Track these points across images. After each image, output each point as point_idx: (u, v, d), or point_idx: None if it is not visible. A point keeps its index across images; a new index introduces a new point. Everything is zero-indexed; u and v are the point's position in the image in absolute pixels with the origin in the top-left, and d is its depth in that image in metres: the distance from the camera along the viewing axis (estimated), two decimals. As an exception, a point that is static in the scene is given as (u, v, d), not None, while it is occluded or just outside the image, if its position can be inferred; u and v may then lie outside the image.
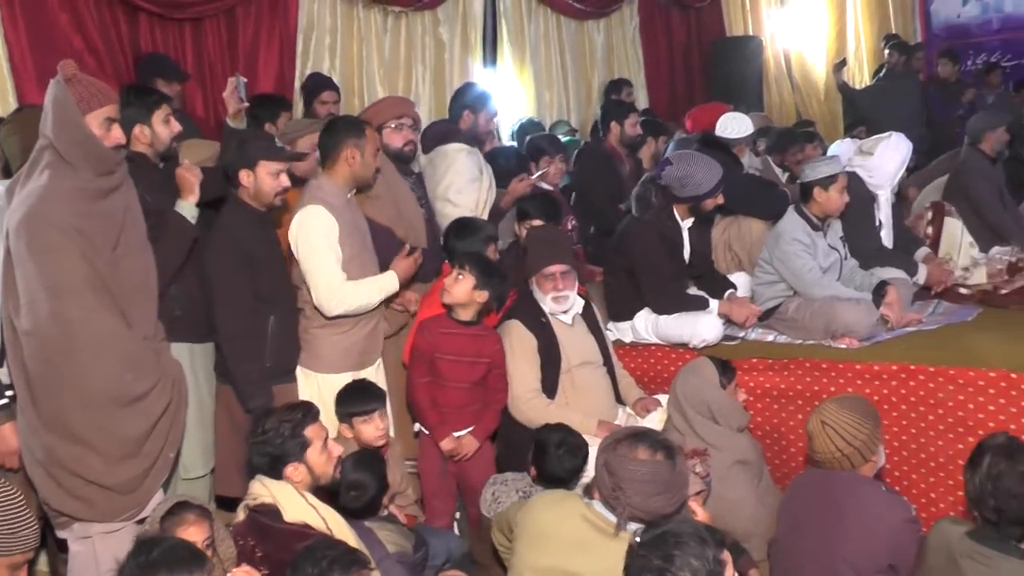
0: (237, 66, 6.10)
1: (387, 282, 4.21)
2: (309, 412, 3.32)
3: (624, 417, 4.58)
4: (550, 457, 3.78)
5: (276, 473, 3.19)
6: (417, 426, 4.36)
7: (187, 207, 3.89)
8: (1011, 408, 4.09)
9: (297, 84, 6.61)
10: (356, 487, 3.58)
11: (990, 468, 2.89)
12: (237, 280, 3.88)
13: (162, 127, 3.94)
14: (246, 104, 4.47)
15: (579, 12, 8.77)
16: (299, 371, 4.18)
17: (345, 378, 4.09)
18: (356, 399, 3.94)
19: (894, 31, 11.40)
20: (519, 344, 4.37)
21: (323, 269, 4.04)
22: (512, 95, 8.18)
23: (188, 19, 5.90)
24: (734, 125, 6.19)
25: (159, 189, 3.88)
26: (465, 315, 4.25)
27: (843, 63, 10.21)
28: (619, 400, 4.67)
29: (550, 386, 4.42)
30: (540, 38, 8.52)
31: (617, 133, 6.53)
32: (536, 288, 4.47)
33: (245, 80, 4.55)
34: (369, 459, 3.74)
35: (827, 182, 4.93)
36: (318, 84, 6.17)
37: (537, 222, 4.92)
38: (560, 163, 5.88)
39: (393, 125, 4.78)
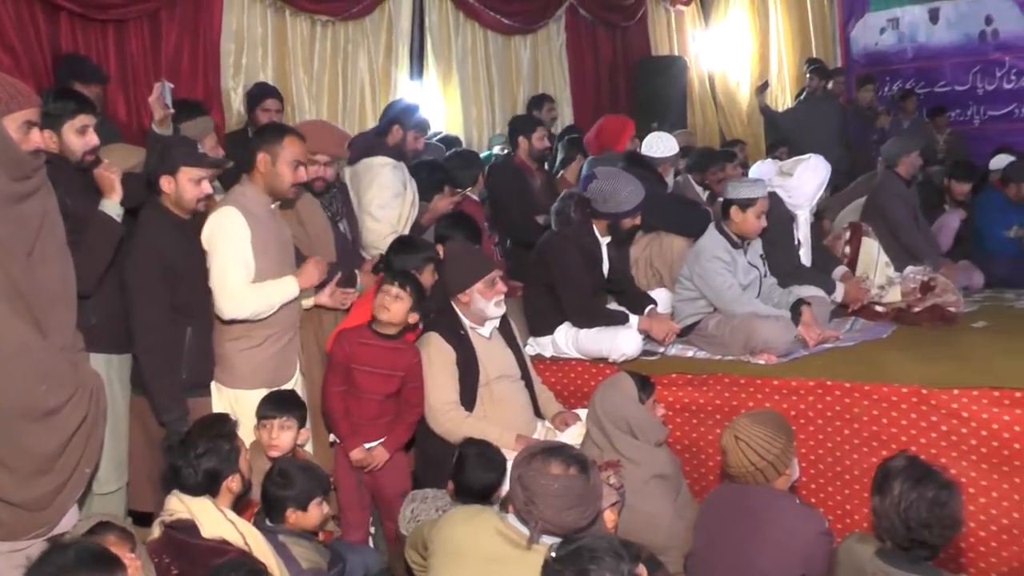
0: (160, 71, 5.98)
1: (286, 287, 4.09)
2: (230, 421, 3.31)
3: (543, 431, 4.58)
4: (468, 472, 3.75)
5: (215, 489, 3.14)
6: (332, 437, 4.33)
7: (111, 206, 3.80)
8: (922, 423, 4.20)
9: (224, 90, 6.52)
10: (284, 476, 3.51)
11: (900, 498, 2.94)
12: (155, 290, 3.80)
13: (74, 137, 3.78)
14: (172, 111, 4.38)
15: (506, 27, 8.79)
16: (214, 388, 4.09)
17: (259, 394, 4.01)
18: (264, 404, 3.91)
19: (815, 56, 11.63)
20: (438, 356, 4.37)
21: (223, 270, 3.95)
22: (437, 108, 8.17)
23: (111, 21, 5.76)
24: (660, 145, 6.26)
25: (80, 192, 3.78)
26: (390, 330, 4.24)
27: (765, 86, 10.40)
28: (538, 414, 4.68)
29: (469, 399, 4.41)
30: (467, 52, 8.52)
31: (526, 147, 6.56)
32: (474, 297, 4.46)
33: (171, 86, 4.46)
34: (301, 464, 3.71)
35: (745, 204, 5.02)
36: (262, 92, 6.09)
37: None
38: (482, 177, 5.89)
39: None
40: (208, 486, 3.16)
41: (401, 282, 4.23)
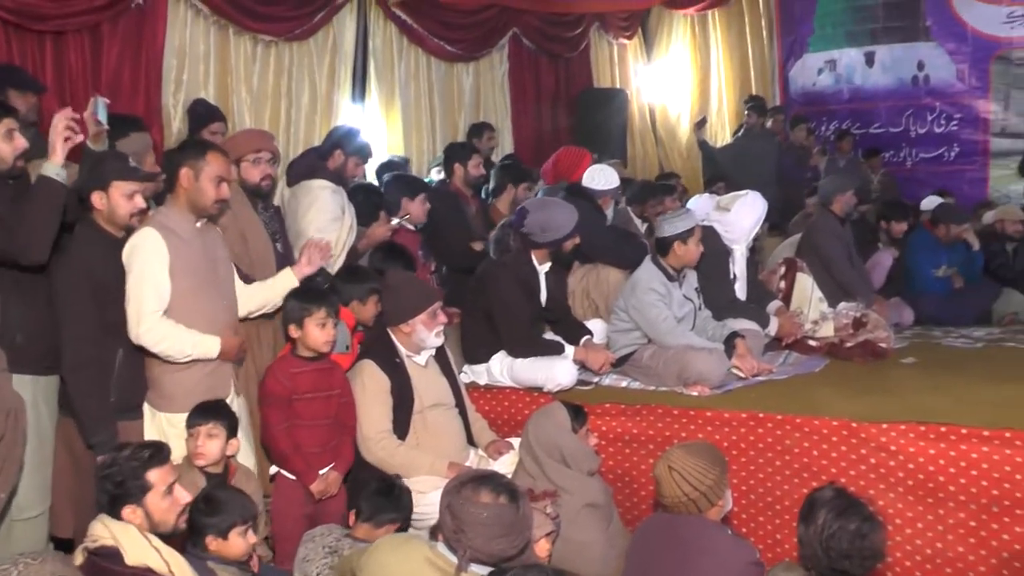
0: (100, 85, 5.87)
1: (205, 345, 3.96)
2: (158, 455, 3.14)
3: (476, 459, 4.57)
4: (372, 512, 3.73)
5: (115, 513, 3.05)
6: (274, 468, 4.23)
7: (52, 167, 3.66)
8: (851, 455, 4.28)
9: (166, 107, 6.43)
10: (208, 502, 3.42)
11: (823, 528, 2.98)
12: (84, 308, 3.72)
13: (1, 143, 3.69)
14: (106, 127, 4.28)
15: (449, 54, 8.80)
16: (146, 410, 4.00)
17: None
18: (191, 413, 3.83)
19: (755, 94, 11.83)
20: (372, 384, 4.33)
21: (135, 294, 3.83)
22: (379, 132, 8.14)
23: (49, 32, 5.65)
24: (601, 177, 6.29)
25: (11, 201, 3.69)
26: (305, 351, 4.19)
27: (703, 122, 10.55)
28: (472, 442, 4.66)
29: (402, 427, 4.38)
30: (409, 77, 8.50)
31: (461, 174, 6.56)
32: (417, 328, 4.43)
33: (107, 101, 4.37)
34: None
35: (686, 236, 5.09)
36: (210, 114, 6.03)
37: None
38: (423, 203, 5.85)
39: (251, 159, 4.67)
40: (109, 508, 3.06)
41: (336, 311, 4.19)
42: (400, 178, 6.32)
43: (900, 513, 4.13)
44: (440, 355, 4.66)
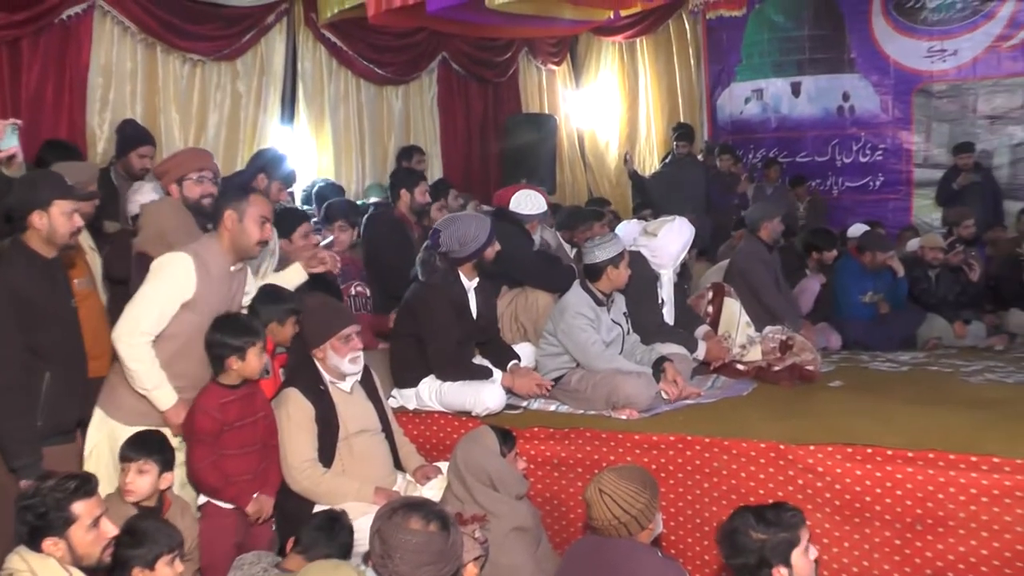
0: (20, 104, 5.75)
1: (162, 396, 4.01)
2: (84, 486, 3.05)
3: (404, 484, 4.50)
4: (308, 534, 3.66)
5: (35, 545, 2.92)
6: (203, 498, 4.12)
7: None
8: (779, 477, 4.31)
9: (91, 127, 6.28)
10: (130, 533, 3.30)
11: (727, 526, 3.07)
12: (8, 331, 3.62)
13: None
14: (12, 151, 4.17)
15: (378, 77, 8.78)
16: (97, 412, 4.03)
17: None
18: (125, 445, 3.75)
19: (683, 121, 11.95)
20: (296, 413, 4.26)
21: (140, 306, 3.97)
22: (308, 154, 8.06)
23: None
24: (528, 202, 6.23)
25: None
26: (237, 380, 4.09)
27: (628, 158, 10.65)
28: (399, 467, 4.60)
29: (327, 454, 4.31)
30: (339, 99, 8.47)
31: (407, 200, 6.49)
32: (328, 354, 4.38)
33: (19, 123, 4.24)
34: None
35: (617, 260, 5.13)
36: (139, 137, 5.91)
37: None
38: (344, 232, 5.79)
39: (195, 177, 4.73)
40: (29, 540, 2.93)
41: (253, 339, 4.11)
42: (338, 203, 6.28)
43: (828, 533, 4.18)
44: (367, 380, 4.61)
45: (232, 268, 4.22)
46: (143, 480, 3.69)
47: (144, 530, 3.31)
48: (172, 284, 4.00)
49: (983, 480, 3.92)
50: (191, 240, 4.34)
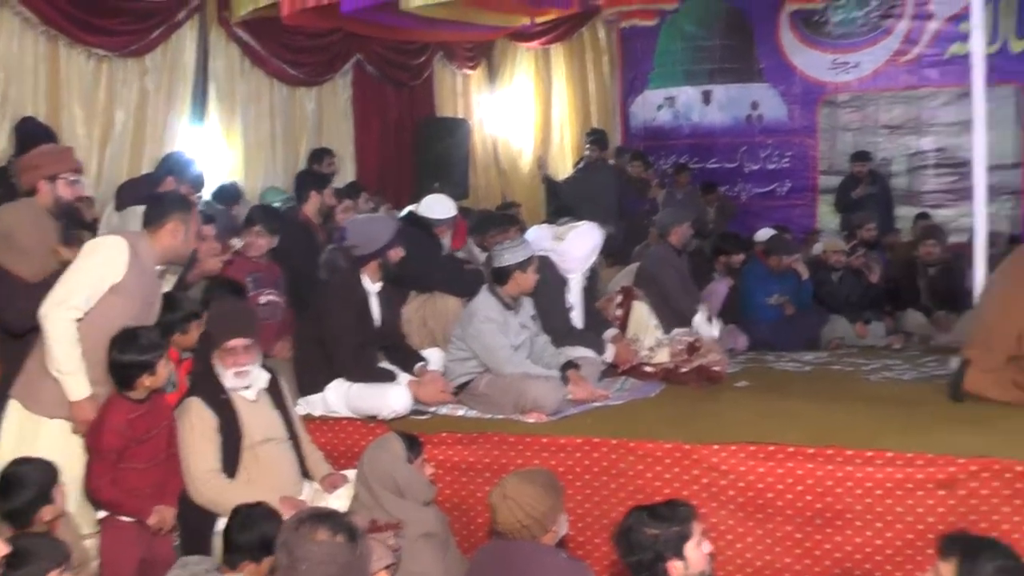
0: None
1: (77, 384, 3.95)
2: None
3: (311, 492, 4.45)
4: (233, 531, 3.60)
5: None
6: (101, 513, 4.00)
7: None
8: (684, 476, 4.38)
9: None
10: (16, 555, 3.19)
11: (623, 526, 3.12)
12: None
13: None
14: None
15: (292, 78, 8.67)
16: (12, 403, 3.99)
17: (57, 425, 3.94)
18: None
19: (596, 127, 12.05)
20: (199, 423, 4.18)
21: (72, 281, 3.97)
22: (218, 154, 7.93)
23: None
24: (438, 207, 6.22)
25: None
26: (145, 393, 4.01)
27: (543, 162, 10.72)
28: (307, 476, 4.54)
29: (231, 464, 4.23)
30: (251, 99, 8.33)
31: (316, 203, 6.45)
32: (215, 364, 4.31)
33: None
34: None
35: (525, 265, 5.14)
36: (40, 135, 5.76)
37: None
38: (262, 237, 5.68)
39: (70, 177, 4.57)
40: None
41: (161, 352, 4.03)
42: (257, 208, 6.21)
43: (731, 529, 4.27)
44: (274, 388, 4.53)
45: (158, 268, 4.24)
46: None
47: (27, 548, 3.19)
48: (104, 263, 3.99)
49: (878, 474, 4.07)
50: (42, 247, 4.30)
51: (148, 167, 6.85)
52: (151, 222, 4.25)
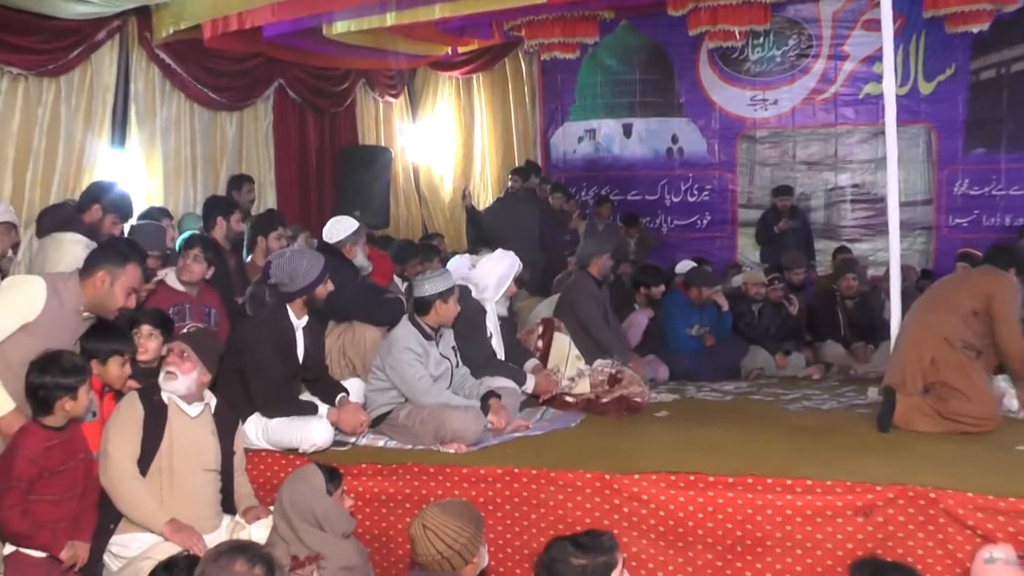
0: None
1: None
2: None
3: (231, 524, 4.34)
4: None
5: None
6: (9, 548, 3.85)
7: None
8: (605, 506, 4.39)
9: None
10: None
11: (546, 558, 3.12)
12: None
13: None
14: None
15: (213, 102, 8.52)
16: None
17: None
18: None
19: (517, 158, 12.15)
20: (127, 410, 4.16)
21: None
22: (138, 179, 7.74)
23: None
24: (337, 227, 6.08)
25: None
26: (63, 420, 3.90)
27: (467, 192, 10.74)
28: (232, 510, 4.42)
29: (144, 466, 4.13)
30: (171, 124, 8.14)
31: (223, 229, 6.37)
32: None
33: None
34: None
35: (447, 295, 5.15)
36: None
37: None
38: (198, 263, 5.52)
39: None
40: None
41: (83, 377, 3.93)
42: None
43: (652, 558, 4.29)
44: (221, 416, 4.45)
45: (84, 314, 4.18)
46: None
47: None
48: (18, 301, 4.01)
49: (798, 501, 4.13)
50: None
51: (66, 193, 6.69)
52: (84, 268, 4.27)
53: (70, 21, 6.87)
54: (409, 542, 3.51)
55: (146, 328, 4.64)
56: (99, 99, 7.38)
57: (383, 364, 5.16)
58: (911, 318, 5.33)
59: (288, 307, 5.07)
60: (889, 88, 5.34)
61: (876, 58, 10.33)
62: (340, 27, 7.98)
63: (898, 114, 5.46)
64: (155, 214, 7.05)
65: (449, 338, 5.35)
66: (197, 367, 4.31)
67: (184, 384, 4.27)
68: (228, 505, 4.41)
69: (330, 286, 5.12)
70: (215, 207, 6.59)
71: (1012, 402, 5.27)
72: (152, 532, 4.00)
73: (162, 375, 4.27)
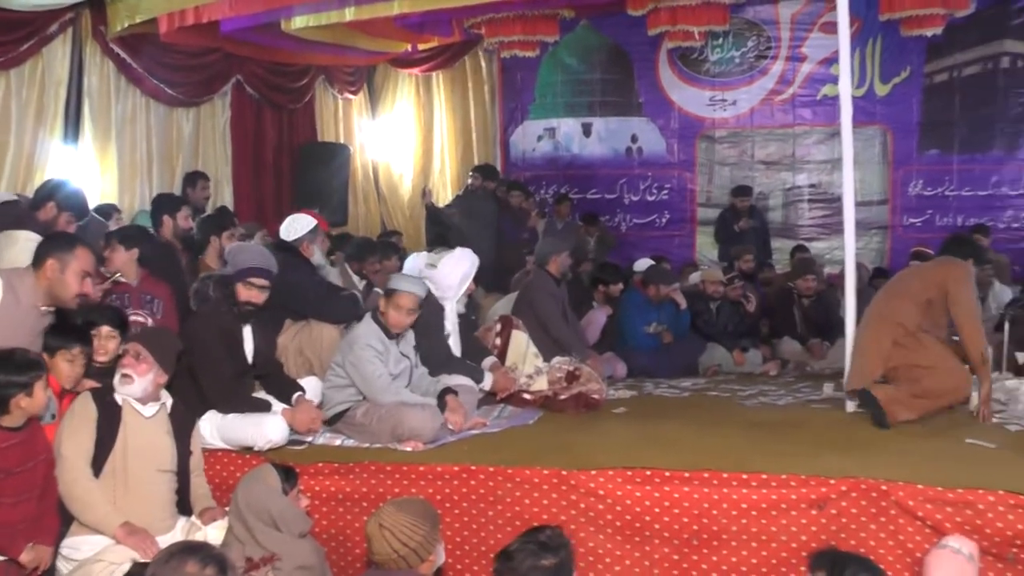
0: None
1: None
2: None
3: (186, 526, 4.30)
4: None
5: None
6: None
7: None
8: (562, 502, 4.41)
9: None
10: None
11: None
12: None
13: None
14: None
15: (169, 98, 8.44)
16: None
17: None
18: None
19: (477, 156, 12.14)
20: (81, 410, 4.14)
21: None
22: (92, 175, 7.64)
23: None
24: (294, 225, 6.01)
25: None
26: (21, 420, 3.83)
27: (427, 190, 10.72)
28: (188, 511, 4.37)
29: (97, 467, 4.10)
30: (126, 119, 8.06)
31: (171, 226, 6.33)
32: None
33: None
34: None
35: (389, 293, 5.12)
36: None
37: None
38: (115, 252, 5.45)
39: None
40: None
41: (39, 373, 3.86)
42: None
43: (610, 552, 4.32)
44: (179, 417, 4.41)
45: (43, 309, 4.16)
46: None
47: None
48: None
49: (753, 495, 4.18)
50: None
51: (17, 189, 6.60)
52: (35, 260, 4.24)
53: (21, 13, 6.78)
54: (366, 540, 3.50)
55: (105, 329, 4.60)
56: (51, 93, 7.29)
57: (343, 361, 5.12)
58: (868, 315, 5.38)
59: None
60: (845, 90, 5.38)
61: (833, 60, 10.39)
62: (299, 22, 7.93)
63: (854, 115, 5.49)
64: (106, 210, 6.99)
65: (410, 338, 5.32)
66: (153, 368, 4.26)
67: (140, 387, 4.23)
68: (184, 506, 4.36)
69: (253, 294, 5.01)
70: (160, 205, 6.56)
71: (974, 400, 5.30)
72: (105, 535, 3.95)
73: (117, 377, 4.22)
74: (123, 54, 7.85)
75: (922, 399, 5.05)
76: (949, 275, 5.17)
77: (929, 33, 9.55)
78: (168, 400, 4.40)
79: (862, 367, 5.21)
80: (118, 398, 4.20)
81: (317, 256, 5.97)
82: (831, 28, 9.79)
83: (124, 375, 4.21)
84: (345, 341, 5.24)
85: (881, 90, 10.93)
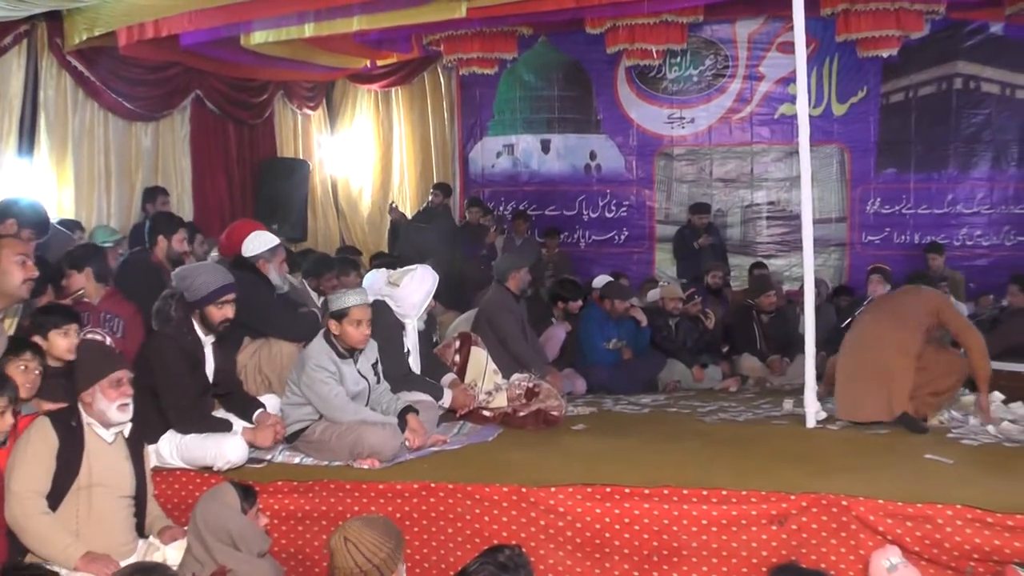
0: None
1: None
2: None
3: (145, 547, 4.24)
4: None
5: None
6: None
7: None
8: (522, 519, 4.40)
9: None
10: None
11: None
12: None
13: None
14: None
15: (128, 112, 8.37)
16: None
17: None
18: None
19: (436, 172, 12.15)
20: (39, 441, 3.99)
21: None
22: (48, 190, 7.54)
23: None
24: (255, 242, 5.97)
25: None
26: None
27: (394, 206, 10.71)
28: (145, 533, 4.32)
29: (58, 496, 4.00)
30: (84, 133, 7.98)
31: (164, 247, 6.24)
32: (97, 397, 4.12)
33: None
34: None
35: (340, 315, 5.03)
36: None
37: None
38: (71, 278, 5.42)
39: None
40: None
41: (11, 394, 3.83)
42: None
43: (569, 570, 4.31)
44: (134, 442, 4.34)
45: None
46: None
47: None
48: None
49: (713, 511, 4.20)
50: None
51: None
52: None
53: (-27, 25, 6.69)
54: (328, 555, 3.44)
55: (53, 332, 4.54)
56: (5, 106, 7.21)
57: (298, 379, 5.09)
58: (867, 341, 5.67)
59: (194, 322, 4.97)
60: (803, 109, 5.44)
61: (791, 80, 10.58)
62: (258, 37, 7.91)
63: (812, 134, 5.56)
64: (68, 226, 6.90)
65: (372, 354, 5.27)
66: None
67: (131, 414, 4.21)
68: (140, 529, 4.30)
69: (227, 311, 4.99)
70: (157, 225, 6.41)
71: (973, 419, 5.56)
72: (65, 568, 3.85)
73: (114, 409, 4.13)
74: (80, 67, 7.77)
75: (941, 395, 5.54)
76: (932, 302, 5.68)
77: (885, 54, 9.66)
78: (128, 425, 4.29)
79: (891, 396, 5.40)
80: (82, 426, 4.11)
81: (273, 275, 5.92)
82: (788, 48, 9.93)
83: (123, 405, 4.16)
84: (300, 359, 5.20)
85: (838, 109, 11.05)
